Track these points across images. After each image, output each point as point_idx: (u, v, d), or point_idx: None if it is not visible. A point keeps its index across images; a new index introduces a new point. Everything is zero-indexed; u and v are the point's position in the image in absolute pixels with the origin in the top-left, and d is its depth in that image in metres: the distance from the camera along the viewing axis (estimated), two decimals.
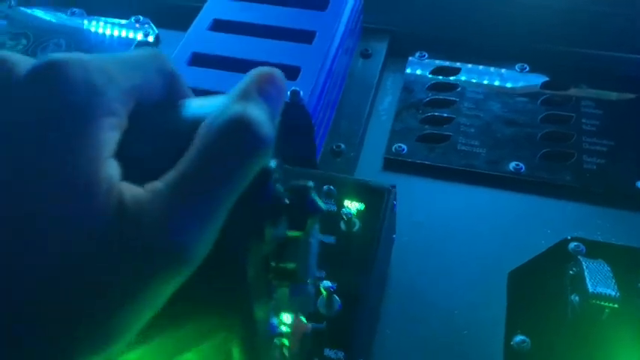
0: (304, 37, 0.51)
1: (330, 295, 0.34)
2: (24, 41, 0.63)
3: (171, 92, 0.21)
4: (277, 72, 0.21)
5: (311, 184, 0.22)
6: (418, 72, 0.58)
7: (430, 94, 0.55)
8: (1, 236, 0.16)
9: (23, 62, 0.18)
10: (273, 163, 0.21)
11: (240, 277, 0.21)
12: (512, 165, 0.49)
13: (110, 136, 0.18)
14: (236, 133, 0.18)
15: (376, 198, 0.40)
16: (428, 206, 0.47)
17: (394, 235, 0.43)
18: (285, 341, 0.27)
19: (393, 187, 0.41)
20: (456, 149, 0.51)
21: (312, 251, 0.24)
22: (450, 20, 0.61)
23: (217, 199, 0.18)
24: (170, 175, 0.18)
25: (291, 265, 0.23)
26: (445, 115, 0.53)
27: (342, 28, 0.52)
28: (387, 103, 0.56)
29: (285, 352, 0.26)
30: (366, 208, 0.39)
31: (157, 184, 0.18)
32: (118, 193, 0.17)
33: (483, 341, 0.40)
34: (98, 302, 0.17)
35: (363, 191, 0.40)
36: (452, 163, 0.50)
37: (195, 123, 0.19)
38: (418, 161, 0.50)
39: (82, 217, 0.16)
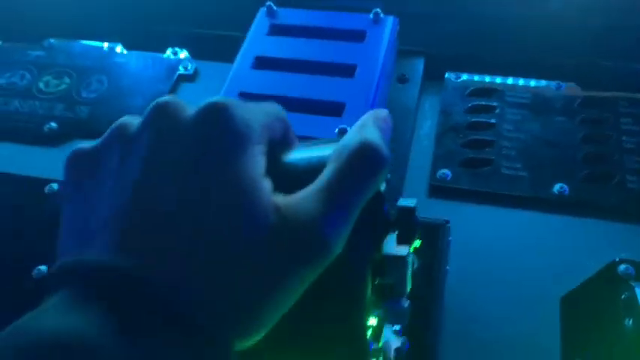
0: (345, 70, 0.52)
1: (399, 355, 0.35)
2: (67, 80, 0.65)
3: (285, 137, 0.26)
4: (385, 111, 0.27)
5: (415, 203, 0.27)
6: (455, 94, 0.59)
7: (469, 117, 0.56)
8: (195, 225, 0.21)
9: (184, 105, 0.24)
10: (383, 187, 0.25)
11: (361, 287, 0.25)
12: (556, 187, 0.50)
13: (262, 159, 0.23)
14: (366, 153, 0.24)
15: (431, 234, 0.41)
16: (476, 233, 0.48)
17: (447, 267, 0.44)
18: (381, 358, 0.30)
19: (447, 222, 0.42)
20: (499, 173, 0.52)
21: (409, 267, 0.27)
22: (484, 39, 0.62)
23: (353, 205, 0.23)
24: (314, 186, 0.23)
25: (390, 281, 0.27)
26: (486, 137, 0.54)
27: (381, 58, 0.53)
28: (427, 127, 0.57)
29: None
30: (422, 244, 0.40)
31: (304, 193, 0.23)
32: (274, 199, 0.22)
33: None
34: (258, 283, 0.21)
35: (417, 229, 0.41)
36: (496, 188, 0.51)
37: (312, 159, 0.25)
38: (463, 187, 0.51)
39: (251, 216, 0.21)
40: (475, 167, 0.52)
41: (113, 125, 0.25)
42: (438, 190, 0.51)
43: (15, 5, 0.74)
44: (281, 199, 0.22)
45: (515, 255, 0.47)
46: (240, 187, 0.22)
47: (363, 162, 0.23)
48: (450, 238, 0.41)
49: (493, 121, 0.56)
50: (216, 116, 0.23)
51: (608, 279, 0.43)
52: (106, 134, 0.25)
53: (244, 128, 0.23)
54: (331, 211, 0.22)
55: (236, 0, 0.68)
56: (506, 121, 0.56)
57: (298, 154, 0.26)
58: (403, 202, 0.27)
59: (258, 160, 0.23)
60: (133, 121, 0.25)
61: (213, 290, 0.21)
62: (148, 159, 0.22)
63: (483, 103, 0.57)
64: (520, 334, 0.43)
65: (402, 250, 0.26)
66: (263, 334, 0.22)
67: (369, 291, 0.25)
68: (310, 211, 0.22)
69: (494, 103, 0.57)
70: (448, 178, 0.52)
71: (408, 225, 0.26)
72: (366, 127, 0.25)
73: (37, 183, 0.55)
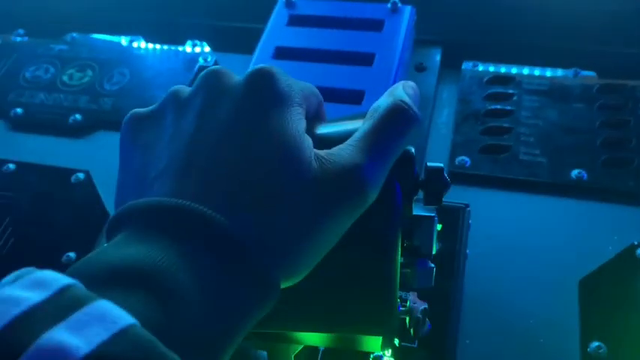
0: (364, 59, 0.53)
1: (424, 317, 0.36)
2: (90, 72, 0.67)
3: (318, 112, 0.29)
4: (412, 82, 0.29)
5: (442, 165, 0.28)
6: (473, 82, 0.59)
7: (487, 104, 0.57)
8: (255, 167, 0.23)
9: (232, 72, 0.26)
10: (412, 149, 0.27)
11: (394, 240, 0.26)
12: (574, 173, 0.50)
13: (302, 119, 0.25)
14: (398, 110, 0.26)
15: (452, 218, 0.42)
16: (495, 218, 0.49)
17: (468, 251, 0.45)
18: (407, 318, 0.31)
19: (467, 205, 0.43)
20: (518, 159, 0.52)
21: (435, 227, 0.29)
22: (501, 26, 0.63)
23: (387, 155, 0.25)
24: (352, 139, 0.25)
25: (417, 242, 0.28)
26: (504, 124, 0.55)
27: (399, 47, 0.54)
28: (445, 115, 0.58)
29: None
30: (443, 227, 0.41)
31: (342, 145, 0.25)
32: (315, 150, 0.25)
33: (560, 349, 0.42)
34: (302, 223, 0.23)
35: (438, 212, 0.42)
36: (515, 174, 0.51)
37: (343, 130, 0.26)
38: (483, 173, 0.52)
39: (295, 163, 0.24)
40: (494, 154, 0.53)
41: (167, 92, 0.27)
42: (457, 177, 0.52)
43: (38, 0, 0.75)
44: (321, 151, 0.25)
45: (533, 239, 0.48)
46: (285, 138, 0.24)
47: (396, 117, 0.26)
48: (470, 222, 0.42)
49: (511, 108, 0.56)
50: (262, 79, 0.25)
51: (626, 262, 0.44)
52: (161, 100, 0.27)
53: (288, 90, 0.25)
54: (368, 159, 0.24)
55: None
56: (524, 108, 0.56)
57: (330, 128, 0.28)
58: (431, 163, 0.28)
59: (300, 119, 0.25)
60: (185, 88, 0.27)
61: (263, 228, 0.23)
62: (202, 115, 0.25)
63: (501, 90, 0.58)
64: (539, 317, 0.44)
65: (430, 210, 0.28)
66: (303, 275, 0.24)
67: (399, 248, 0.26)
68: (349, 159, 0.24)
69: (512, 91, 0.58)
70: (467, 165, 0.52)
71: (436, 185, 0.28)
72: (397, 91, 0.27)
73: (63, 173, 0.56)
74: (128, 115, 0.28)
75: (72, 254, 0.50)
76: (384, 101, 0.27)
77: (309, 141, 0.25)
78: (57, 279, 0.18)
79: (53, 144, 0.61)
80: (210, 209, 0.22)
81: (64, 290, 0.18)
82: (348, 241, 0.25)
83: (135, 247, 0.21)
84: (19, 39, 0.73)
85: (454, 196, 0.50)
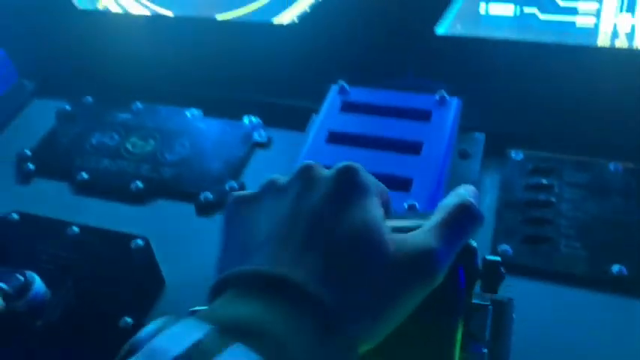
0: (413, 148, 0.56)
1: None
2: (152, 142, 0.71)
3: (387, 207, 0.33)
4: (472, 186, 0.34)
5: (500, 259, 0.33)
6: (515, 171, 0.61)
7: (529, 194, 0.59)
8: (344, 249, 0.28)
9: (322, 167, 0.33)
10: (474, 243, 0.32)
11: (456, 324, 0.30)
12: (615, 268, 0.52)
13: (380, 208, 0.31)
14: (465, 208, 0.31)
15: (495, 311, 0.43)
16: (538, 311, 0.50)
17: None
18: None
19: (511, 299, 0.44)
20: (559, 251, 0.54)
21: (489, 315, 0.33)
22: (545, 117, 0.65)
23: (456, 243, 0.30)
24: (425, 227, 0.30)
25: (473, 328, 0.32)
26: (546, 215, 0.57)
27: (446, 137, 0.57)
28: (488, 202, 0.60)
29: None
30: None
31: (415, 232, 0.30)
32: (393, 235, 0.29)
33: None
34: (382, 296, 0.27)
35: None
36: (556, 266, 0.53)
37: (410, 224, 0.31)
38: (524, 264, 0.53)
39: (377, 244, 0.28)
40: (535, 244, 0.55)
41: (265, 180, 0.33)
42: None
43: (106, 69, 0.82)
44: (397, 235, 0.29)
45: (574, 335, 0.49)
46: (368, 221, 0.29)
47: (464, 214, 0.31)
48: (514, 315, 0.44)
49: (552, 199, 0.58)
50: (348, 172, 0.31)
51: None
52: (260, 186, 0.33)
53: (368, 183, 0.31)
54: (439, 245, 0.29)
55: (308, 74, 0.74)
56: (565, 199, 0.58)
57: (397, 222, 0.31)
58: (489, 257, 0.33)
59: (378, 207, 0.30)
60: (280, 177, 0.33)
61: (348, 299, 0.27)
62: (298, 199, 0.30)
63: (543, 181, 0.60)
64: None
65: (484, 300, 0.33)
66: (376, 343, 0.28)
67: (460, 330, 0.30)
68: (423, 243, 0.29)
69: (553, 182, 0.60)
70: (509, 254, 0.54)
71: (493, 276, 0.33)
72: (461, 191, 0.32)
73: (123, 238, 0.60)
74: (233, 196, 0.34)
75: (129, 319, 0.53)
76: (451, 200, 0.32)
77: (387, 226, 0.30)
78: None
79: (115, 209, 0.65)
80: (304, 281, 0.26)
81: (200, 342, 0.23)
82: (414, 320, 0.28)
83: (238, 306, 0.26)
84: (87, 106, 0.79)
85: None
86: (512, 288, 0.50)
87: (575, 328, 0.49)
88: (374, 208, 0.30)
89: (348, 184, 0.30)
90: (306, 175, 0.32)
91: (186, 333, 0.24)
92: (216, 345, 0.23)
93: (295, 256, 0.28)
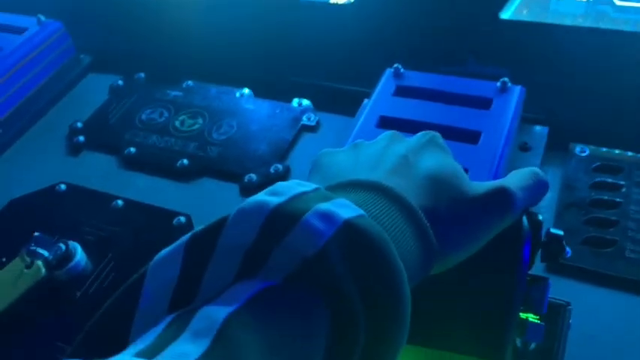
0: (470, 137, 0.53)
1: None
2: (200, 120, 0.71)
3: None
4: (538, 172, 0.35)
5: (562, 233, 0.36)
6: (579, 168, 0.57)
7: (593, 194, 0.55)
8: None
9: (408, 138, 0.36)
10: (541, 217, 0.35)
11: (520, 289, 0.32)
12: None
13: None
14: (535, 172, 0.35)
15: (552, 315, 0.40)
16: (595, 317, 0.46)
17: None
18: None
19: (568, 304, 0.41)
20: (623, 256, 0.50)
21: (548, 289, 0.35)
22: (613, 110, 0.61)
23: (525, 193, 0.33)
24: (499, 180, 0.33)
25: (532, 299, 0.34)
26: (611, 217, 0.52)
27: (506, 127, 0.53)
28: (548, 199, 0.56)
29: None
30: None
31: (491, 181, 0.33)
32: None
33: None
34: (461, 219, 0.30)
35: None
36: (620, 272, 0.49)
37: None
38: (584, 267, 0.49)
39: (462, 179, 0.32)
40: (597, 247, 0.51)
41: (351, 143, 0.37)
42: (557, 267, 0.50)
43: (160, 47, 0.81)
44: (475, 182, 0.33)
45: (633, 346, 0.45)
46: (449, 164, 0.33)
47: (532, 175, 0.34)
48: (571, 321, 0.40)
49: (619, 200, 0.54)
50: (431, 134, 0.36)
51: None
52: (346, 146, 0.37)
53: (448, 148, 0.36)
54: (514, 188, 0.32)
55: (361, 57, 0.71)
56: (633, 201, 0.53)
57: None
58: (554, 230, 0.36)
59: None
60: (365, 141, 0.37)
61: (437, 214, 0.30)
62: (384, 147, 0.34)
63: (609, 180, 0.56)
64: None
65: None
66: (450, 265, 0.30)
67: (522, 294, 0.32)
68: (500, 184, 0.32)
69: (621, 182, 0.55)
70: (568, 256, 0.50)
71: (556, 248, 0.35)
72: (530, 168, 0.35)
73: (167, 214, 0.60)
74: (323, 150, 0.38)
75: None
76: (522, 169, 0.35)
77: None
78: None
79: (160, 185, 0.64)
80: (407, 197, 0.29)
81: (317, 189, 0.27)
82: (479, 276, 0.31)
83: (356, 194, 0.29)
84: (139, 82, 0.79)
85: (553, 287, 0.48)
86: (569, 292, 0.47)
87: (635, 338, 0.45)
88: (453, 160, 0.34)
89: (430, 141, 0.34)
90: (391, 135, 0.35)
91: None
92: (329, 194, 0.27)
93: (385, 176, 0.30)
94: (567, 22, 0.63)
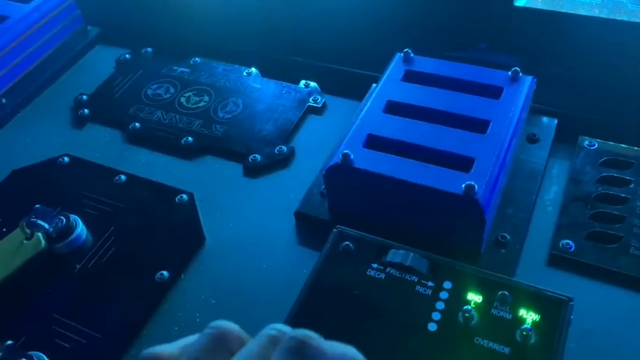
0: (478, 126, 0.52)
1: None
2: (206, 98, 0.70)
3: None
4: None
5: None
6: (587, 162, 0.56)
7: (600, 188, 0.54)
8: None
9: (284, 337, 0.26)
10: None
11: None
12: None
13: None
14: None
15: (553, 310, 0.40)
16: (595, 312, 0.46)
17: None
18: None
19: (571, 299, 0.40)
20: (628, 252, 0.49)
21: None
22: (624, 104, 0.60)
23: None
24: None
25: None
26: (617, 212, 0.52)
27: (516, 117, 0.52)
28: (553, 192, 0.55)
29: None
30: (541, 319, 0.39)
31: None
32: None
33: None
34: None
35: (539, 301, 0.40)
36: (623, 268, 0.48)
37: None
38: (586, 261, 0.49)
39: None
40: (602, 242, 0.50)
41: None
42: (559, 261, 0.50)
43: (169, 22, 0.81)
44: None
45: (634, 343, 0.44)
46: None
47: None
48: (572, 317, 0.40)
49: (626, 195, 0.53)
50: (304, 349, 0.25)
51: None
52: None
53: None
54: None
55: (370, 41, 0.70)
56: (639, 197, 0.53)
57: None
58: None
59: None
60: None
61: None
62: None
63: (617, 175, 0.55)
64: None
65: None
66: None
67: None
68: None
69: (629, 177, 0.54)
70: (571, 250, 0.50)
71: None
72: None
73: (169, 191, 0.59)
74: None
75: (165, 273, 0.52)
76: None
77: None
78: None
79: (164, 161, 0.64)
80: None
81: None
82: None
83: None
84: (147, 56, 0.78)
85: (553, 281, 0.48)
86: (572, 286, 0.46)
87: (636, 336, 0.45)
88: None
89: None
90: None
91: None
92: None
93: None
94: (583, 12, 0.62)
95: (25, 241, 0.53)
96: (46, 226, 0.53)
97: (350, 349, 0.25)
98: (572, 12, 0.61)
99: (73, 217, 0.55)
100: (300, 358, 0.24)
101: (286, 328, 0.26)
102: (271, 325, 0.26)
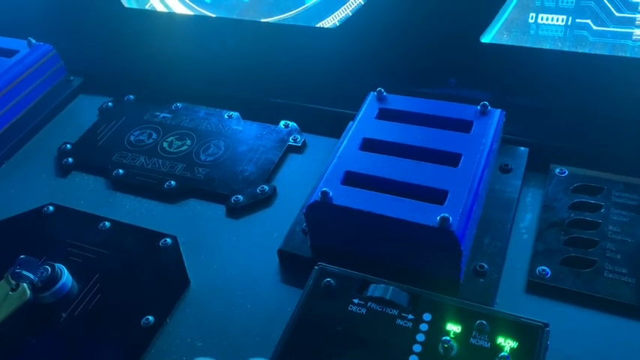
0: (450, 159, 0.53)
1: None
2: (188, 142, 0.71)
3: None
4: None
5: None
6: (559, 189, 0.58)
7: (573, 214, 0.56)
8: None
9: None
10: None
11: None
12: None
13: None
14: None
15: (530, 336, 0.41)
16: (574, 337, 0.47)
17: None
18: None
19: (547, 325, 0.41)
20: (602, 276, 0.50)
21: None
22: (592, 131, 0.62)
23: None
24: None
25: None
26: (589, 237, 0.53)
27: (486, 150, 0.54)
28: (528, 220, 0.57)
29: None
30: (519, 346, 0.40)
31: None
32: None
33: None
34: None
35: (516, 328, 0.41)
36: (598, 292, 0.49)
37: None
38: (563, 287, 0.50)
39: None
40: (577, 267, 0.51)
41: None
42: (536, 287, 0.51)
43: (150, 69, 0.83)
44: None
45: None
46: None
47: None
48: (549, 343, 0.41)
49: (598, 220, 0.55)
50: None
51: None
52: None
53: None
54: None
55: (346, 80, 0.73)
56: (612, 222, 0.54)
57: None
58: None
59: None
60: None
61: None
62: None
63: (588, 200, 0.57)
64: None
65: None
66: None
67: None
68: None
69: (600, 202, 0.56)
70: (547, 276, 0.51)
71: None
72: None
73: (153, 235, 0.60)
74: None
75: (151, 317, 0.53)
76: None
77: None
78: None
79: (147, 206, 0.65)
80: None
81: None
82: None
83: None
84: (129, 104, 0.80)
85: (532, 307, 0.49)
86: (548, 312, 0.47)
87: (614, 357, 0.46)
88: None
89: None
90: None
91: None
92: None
93: None
94: (547, 45, 0.64)
95: (10, 292, 0.53)
96: (32, 276, 0.53)
97: None
98: (537, 46, 0.64)
99: (58, 266, 0.56)
100: None
101: None
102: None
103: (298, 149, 0.69)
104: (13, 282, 0.53)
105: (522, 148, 0.62)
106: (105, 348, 0.51)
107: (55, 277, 0.55)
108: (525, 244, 0.55)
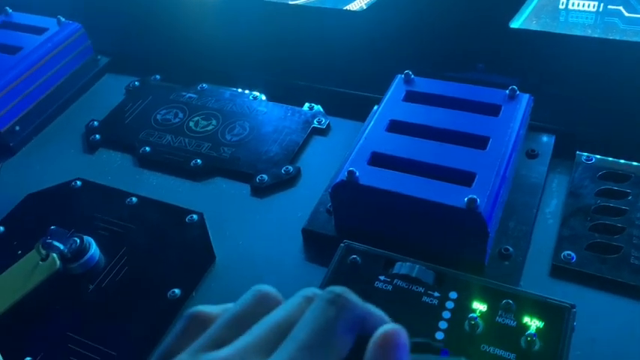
0: (478, 142, 0.53)
1: None
2: (214, 122, 0.72)
3: None
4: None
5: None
6: (585, 176, 0.58)
7: (599, 201, 0.55)
8: None
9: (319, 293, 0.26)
10: None
11: None
12: None
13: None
14: None
15: (556, 317, 0.41)
16: (598, 321, 0.47)
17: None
18: None
19: (573, 306, 0.42)
20: (628, 262, 0.50)
21: None
22: (620, 120, 0.62)
23: None
24: None
25: None
26: (616, 224, 0.53)
27: (514, 134, 0.54)
28: (554, 206, 0.57)
29: None
30: (545, 326, 0.41)
31: None
32: None
33: None
34: None
35: (542, 308, 0.41)
36: (624, 278, 0.49)
37: None
38: (588, 272, 0.50)
39: None
40: (602, 253, 0.51)
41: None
42: (561, 272, 0.51)
43: (176, 50, 0.83)
44: None
45: (637, 350, 0.45)
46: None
47: None
48: (575, 323, 0.41)
49: (625, 207, 0.54)
50: (341, 298, 0.25)
51: None
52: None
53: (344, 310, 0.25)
54: None
55: (372, 64, 0.73)
56: (638, 209, 0.54)
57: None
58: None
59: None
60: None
61: None
62: None
63: (615, 187, 0.56)
64: None
65: None
66: None
67: None
68: None
69: (627, 189, 0.56)
70: (573, 260, 0.51)
71: None
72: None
73: (179, 212, 0.61)
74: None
75: (177, 290, 0.53)
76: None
77: None
78: None
79: (173, 183, 0.66)
80: None
81: None
82: None
83: None
84: (155, 83, 0.80)
85: (556, 291, 0.49)
86: (574, 296, 0.47)
87: (637, 343, 0.46)
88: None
89: (336, 306, 0.25)
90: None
91: None
92: None
93: None
94: (576, 32, 0.64)
95: (40, 262, 0.55)
96: (61, 247, 0.54)
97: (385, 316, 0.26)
98: (566, 32, 0.64)
99: (86, 238, 0.57)
100: (336, 308, 0.24)
101: (320, 291, 0.26)
102: (306, 288, 0.27)
103: (322, 132, 0.69)
104: (43, 252, 0.55)
105: (549, 135, 0.62)
106: (132, 319, 0.52)
107: (83, 249, 0.56)
108: (550, 229, 0.55)
